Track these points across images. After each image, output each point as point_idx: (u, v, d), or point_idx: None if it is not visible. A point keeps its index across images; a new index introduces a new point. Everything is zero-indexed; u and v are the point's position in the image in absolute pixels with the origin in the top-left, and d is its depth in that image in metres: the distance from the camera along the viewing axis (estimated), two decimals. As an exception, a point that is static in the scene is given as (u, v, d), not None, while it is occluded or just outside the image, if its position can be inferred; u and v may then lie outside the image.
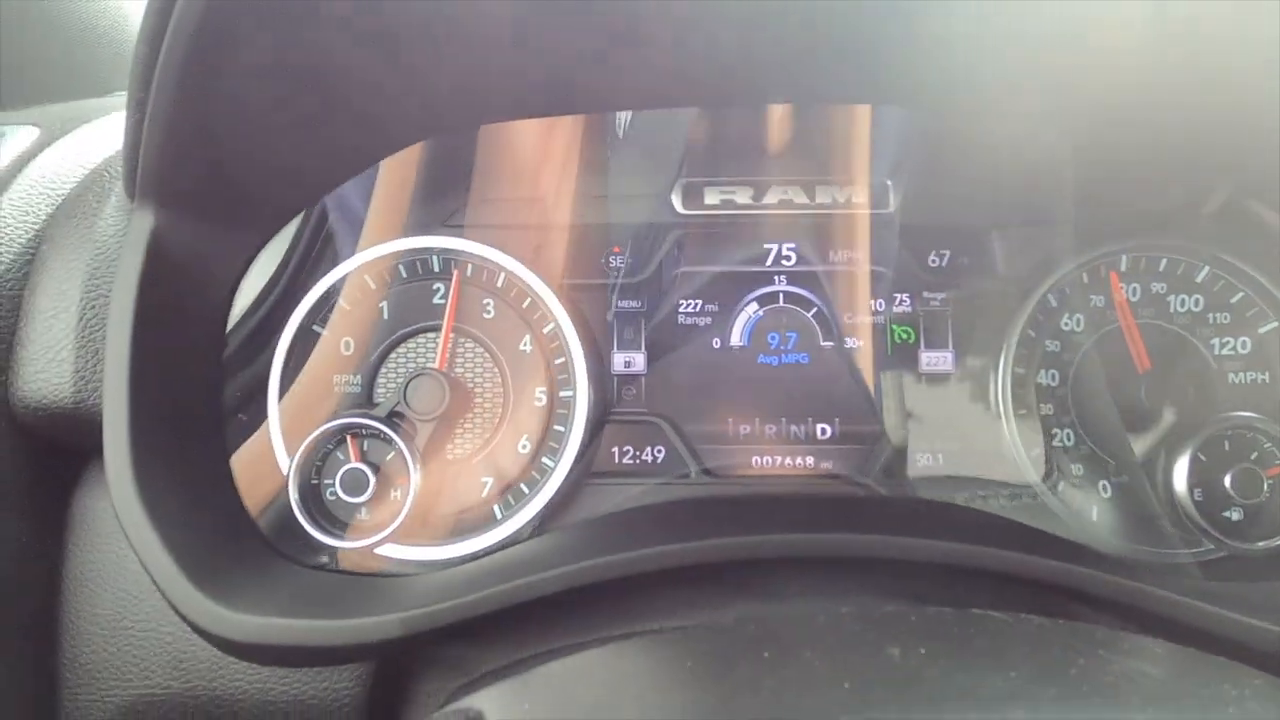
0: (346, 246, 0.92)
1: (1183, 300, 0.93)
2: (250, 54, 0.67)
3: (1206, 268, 0.93)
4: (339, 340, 0.92)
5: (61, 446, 0.83)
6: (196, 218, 0.79)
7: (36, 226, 0.81)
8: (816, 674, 0.42)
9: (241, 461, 0.87)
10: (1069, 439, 0.92)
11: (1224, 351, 0.92)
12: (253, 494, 0.86)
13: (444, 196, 0.94)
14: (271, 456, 0.89)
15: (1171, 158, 0.92)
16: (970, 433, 0.93)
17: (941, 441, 0.94)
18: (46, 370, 0.77)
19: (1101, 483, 0.91)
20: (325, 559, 0.86)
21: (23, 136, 0.86)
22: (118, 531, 0.82)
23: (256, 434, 0.89)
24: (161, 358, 0.76)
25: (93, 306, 0.78)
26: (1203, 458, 0.88)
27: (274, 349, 0.90)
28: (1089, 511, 0.90)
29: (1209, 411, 0.90)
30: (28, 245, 0.80)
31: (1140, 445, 0.91)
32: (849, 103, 0.94)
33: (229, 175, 0.78)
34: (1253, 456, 0.88)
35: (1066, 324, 0.93)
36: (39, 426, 0.79)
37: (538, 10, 0.71)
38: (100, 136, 0.90)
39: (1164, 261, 0.94)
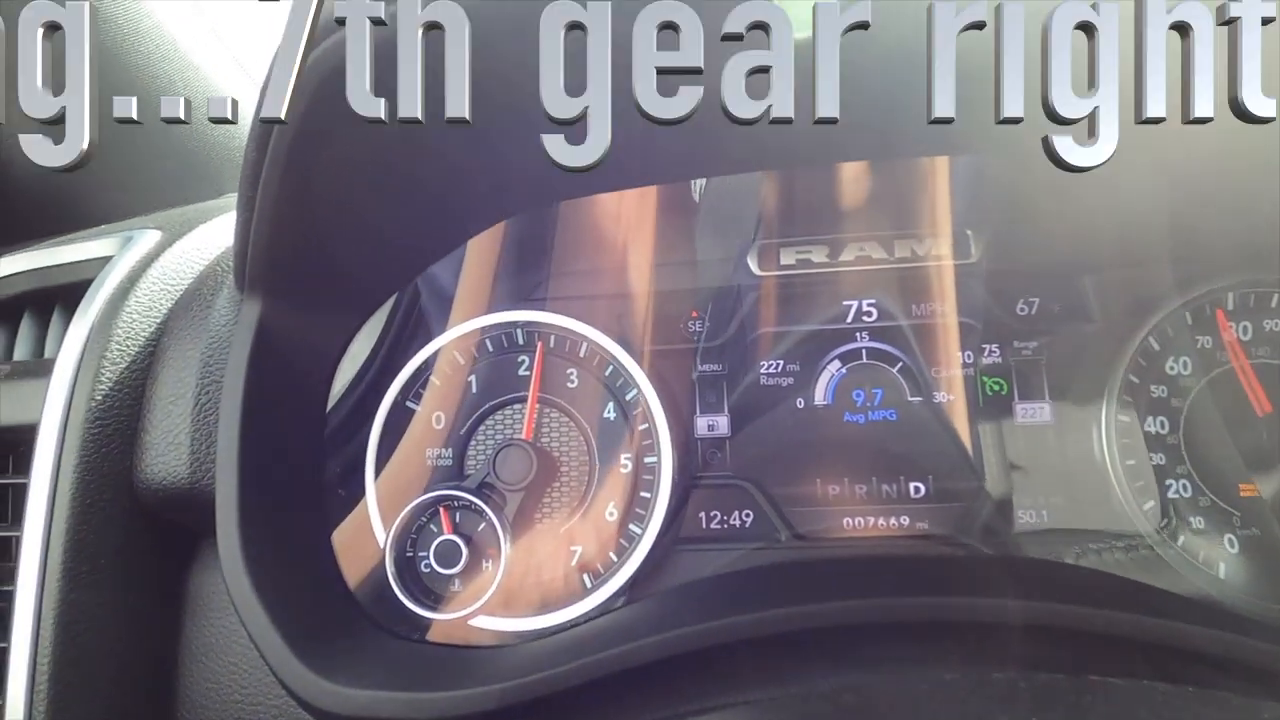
0: (437, 324, 0.96)
1: (1301, 336, 0.88)
2: (344, 149, 0.72)
3: (1324, 301, 0.87)
4: (431, 415, 0.95)
5: (178, 527, 0.88)
6: (299, 305, 0.84)
7: (159, 321, 0.88)
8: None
9: (341, 536, 0.90)
10: (1185, 489, 0.86)
11: (1354, 390, 0.86)
12: (352, 568, 0.89)
13: (527, 272, 0.97)
14: (369, 530, 0.91)
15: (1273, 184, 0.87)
16: (1076, 486, 0.89)
17: (1045, 496, 0.89)
18: (166, 454, 0.82)
19: (1227, 536, 0.85)
20: (420, 631, 0.88)
21: (147, 239, 0.94)
22: (228, 607, 0.85)
23: (355, 509, 0.92)
24: (269, 439, 0.80)
25: (207, 392, 0.83)
26: (1341, 506, 0.81)
27: (370, 425, 0.94)
28: (1215, 568, 0.84)
29: (1343, 454, 0.83)
30: (151, 338, 0.87)
31: (1267, 494, 0.85)
32: (933, 155, 0.93)
33: (327, 264, 0.83)
34: (1398, 504, 0.81)
35: (1172, 368, 0.89)
36: (159, 507, 0.84)
37: None
38: (214, 235, 0.98)
39: (1276, 296, 0.88)
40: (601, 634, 0.82)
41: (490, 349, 0.97)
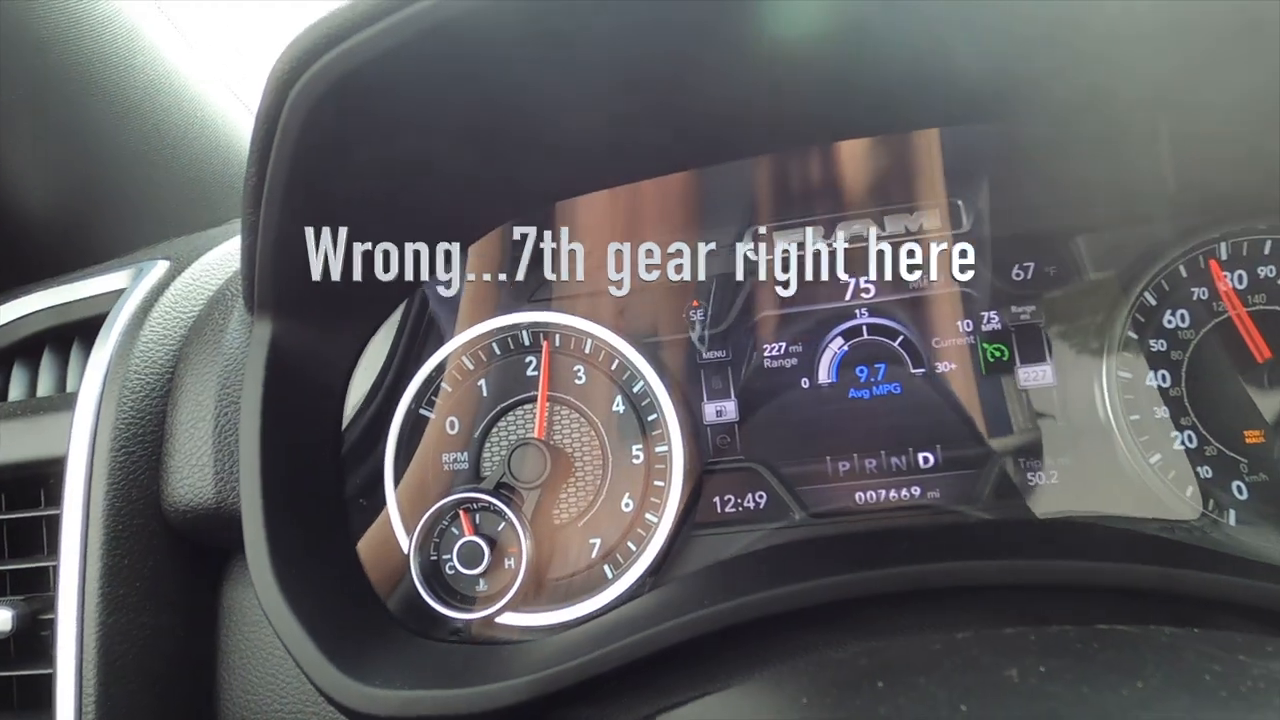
0: (444, 331, 0.98)
1: (1296, 281, 0.88)
2: (342, 164, 0.74)
3: (1318, 244, 0.88)
4: (445, 421, 0.97)
5: (208, 546, 0.90)
6: (308, 322, 0.86)
7: (174, 348, 0.90)
8: (933, 699, 0.41)
9: (366, 546, 0.92)
10: (1191, 440, 0.87)
11: (1352, 330, 0.86)
12: (379, 575, 0.91)
13: (528, 273, 0.99)
14: (393, 538, 0.94)
15: (1259, 132, 0.88)
16: (1082, 444, 0.90)
17: (1053, 457, 0.90)
18: (190, 476, 0.84)
19: (1235, 483, 0.86)
20: (449, 631, 0.90)
21: (157, 270, 0.97)
22: (262, 620, 0.88)
23: (378, 518, 0.94)
24: (289, 454, 0.83)
25: (225, 414, 0.85)
26: (1346, 446, 0.82)
27: (387, 435, 0.96)
28: (1225, 514, 0.85)
29: (1346, 395, 0.84)
30: (167, 365, 0.89)
31: (1273, 439, 0.86)
32: (925, 128, 0.94)
33: (334, 282, 0.85)
34: (1404, 440, 0.81)
35: (1170, 321, 0.90)
36: (187, 528, 0.86)
37: (620, 92, 0.76)
38: (220, 260, 1.00)
39: (1268, 244, 0.89)
40: (626, 621, 0.84)
41: (498, 352, 0.99)
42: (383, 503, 0.95)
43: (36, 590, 0.88)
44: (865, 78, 0.82)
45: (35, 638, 0.85)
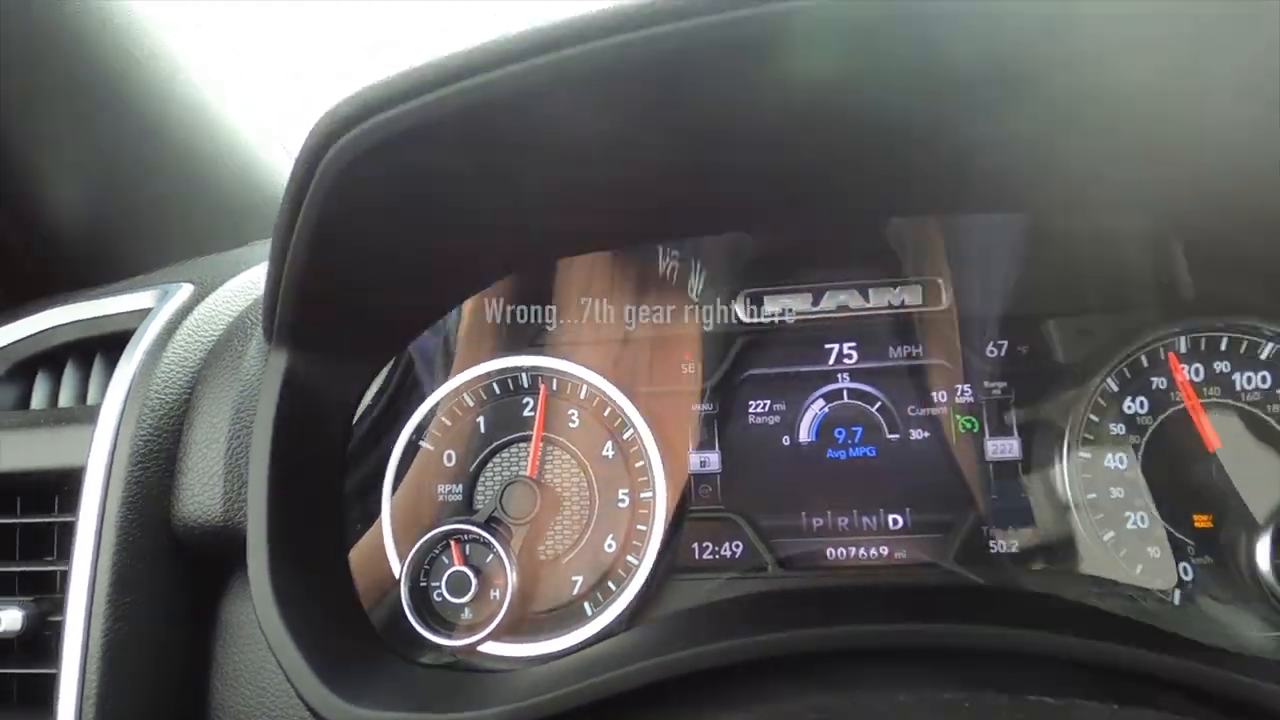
0: (444, 371, 1.04)
1: (1249, 378, 0.94)
2: (367, 217, 0.80)
3: (1270, 344, 0.94)
4: (443, 453, 1.03)
5: (209, 560, 0.95)
6: (323, 355, 0.92)
7: (194, 370, 0.96)
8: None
9: (359, 569, 0.97)
10: (1143, 521, 0.93)
11: (1298, 427, 0.92)
12: (370, 597, 0.96)
13: (531, 319, 1.05)
14: (386, 563, 0.98)
15: (1221, 239, 0.94)
16: (1043, 518, 0.95)
17: (1015, 527, 0.96)
18: (201, 494, 0.89)
19: (1183, 565, 0.91)
20: (435, 656, 0.94)
21: (182, 293, 1.02)
22: (256, 635, 0.92)
23: (373, 542, 0.99)
24: (295, 479, 0.88)
25: (238, 437, 0.90)
26: (1287, 536, 0.87)
27: (387, 464, 1.01)
28: (1170, 595, 0.90)
29: (1289, 488, 0.89)
30: (186, 386, 0.95)
31: (1220, 526, 0.91)
32: (917, 215, 1.01)
33: (349, 319, 0.91)
34: (1340, 533, 0.87)
35: (1129, 407, 0.96)
36: (193, 542, 0.91)
37: (631, 157, 0.82)
38: (241, 288, 1.06)
39: (1224, 340, 0.95)
40: (602, 659, 0.89)
41: (497, 391, 1.04)
42: (379, 528, 1.00)
43: (44, 592, 0.93)
44: (880, 164, 0.88)
45: (41, 638, 0.90)
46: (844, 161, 0.86)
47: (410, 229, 0.84)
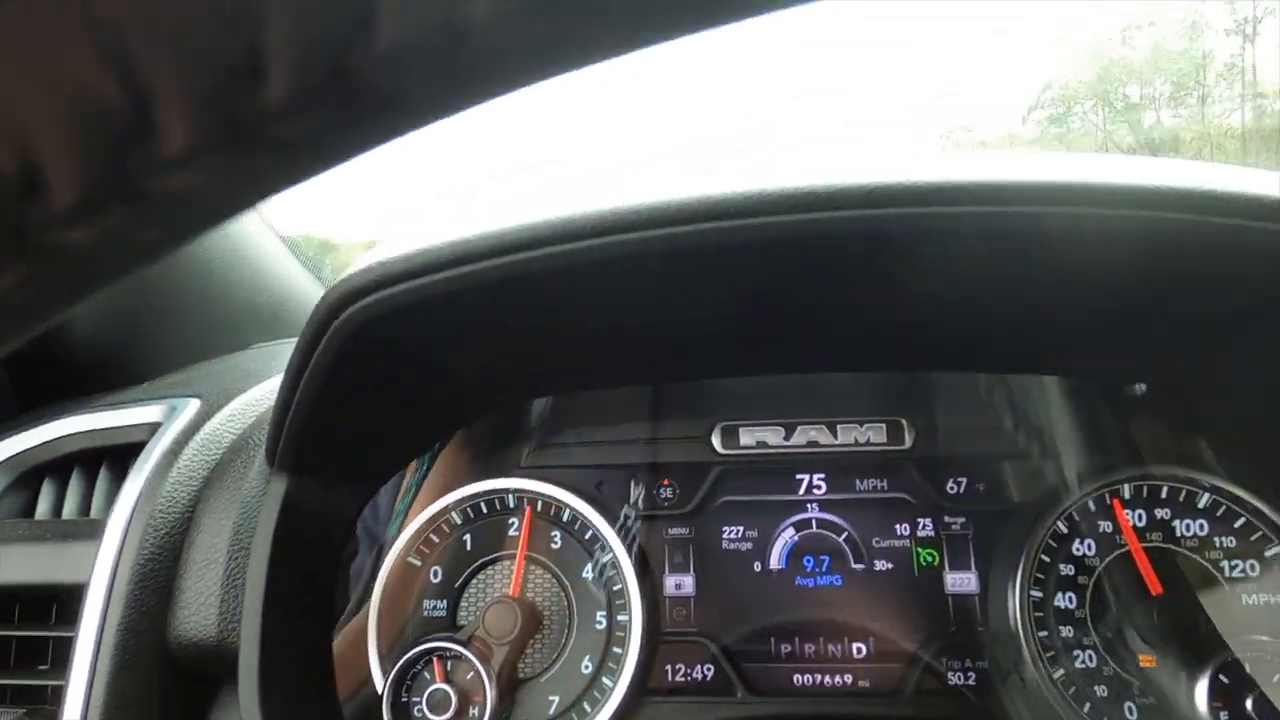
0: (432, 493, 1.09)
1: (1188, 525, 1.01)
2: (372, 371, 0.86)
3: (1207, 494, 1.01)
4: (429, 570, 1.08)
5: (198, 674, 0.98)
6: (321, 480, 0.97)
7: (196, 489, 1.01)
8: None
9: (344, 679, 1.01)
10: (1091, 660, 0.98)
11: (1235, 574, 0.98)
12: (354, 713, 1.00)
13: (515, 446, 1.11)
14: (369, 678, 1.02)
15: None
16: (997, 653, 1.00)
17: (972, 660, 1.01)
18: (198, 614, 0.94)
19: (1127, 704, 0.96)
20: (413, 775, 0.98)
21: (189, 410, 1.08)
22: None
23: (357, 655, 1.03)
24: (288, 600, 0.92)
25: (235, 559, 0.95)
26: (1224, 679, 0.93)
27: (376, 578, 1.06)
28: (1115, 734, 0.95)
29: (1228, 633, 0.95)
30: (189, 505, 0.99)
31: (1163, 667, 0.97)
32: (883, 370, 1.09)
33: (349, 452, 0.97)
34: (1275, 680, 0.92)
35: (1078, 549, 1.02)
36: (187, 658, 0.95)
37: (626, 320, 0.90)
38: (245, 408, 1.11)
39: (1165, 489, 1.02)
40: (574, 782, 0.92)
41: (485, 511, 1.10)
42: (364, 640, 1.04)
43: (36, 703, 0.96)
44: (856, 329, 0.97)
45: (32, 750, 0.93)
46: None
47: (416, 378, 0.91)
